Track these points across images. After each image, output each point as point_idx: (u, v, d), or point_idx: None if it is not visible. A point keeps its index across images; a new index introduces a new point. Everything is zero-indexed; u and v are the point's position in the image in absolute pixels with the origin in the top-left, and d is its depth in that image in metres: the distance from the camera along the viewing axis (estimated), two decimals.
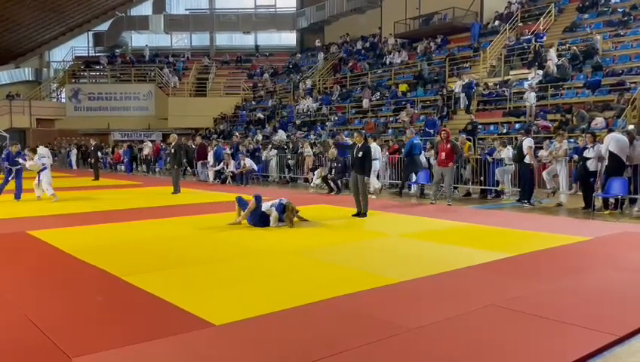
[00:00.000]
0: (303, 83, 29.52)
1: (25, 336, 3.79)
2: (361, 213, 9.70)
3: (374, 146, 15.93)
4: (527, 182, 11.45)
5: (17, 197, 12.17)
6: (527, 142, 11.37)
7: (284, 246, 7.01)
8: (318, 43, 34.10)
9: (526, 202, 11.38)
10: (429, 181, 13.45)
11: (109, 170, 26.09)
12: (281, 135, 22.95)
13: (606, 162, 10.22)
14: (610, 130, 10.97)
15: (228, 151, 18.82)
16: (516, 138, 13.54)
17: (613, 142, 10.04)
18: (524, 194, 11.51)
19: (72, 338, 3.72)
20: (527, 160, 11.34)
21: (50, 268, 5.89)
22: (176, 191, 14.13)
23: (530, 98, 17.18)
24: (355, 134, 10.38)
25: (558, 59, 18.65)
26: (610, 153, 10.03)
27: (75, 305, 4.54)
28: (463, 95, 19.75)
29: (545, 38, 21.48)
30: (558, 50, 19.67)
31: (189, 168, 20.66)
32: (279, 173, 18.62)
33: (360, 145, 9.78)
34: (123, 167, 25.53)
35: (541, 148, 12.84)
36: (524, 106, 17.77)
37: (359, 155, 9.69)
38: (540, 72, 18.59)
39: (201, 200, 12.77)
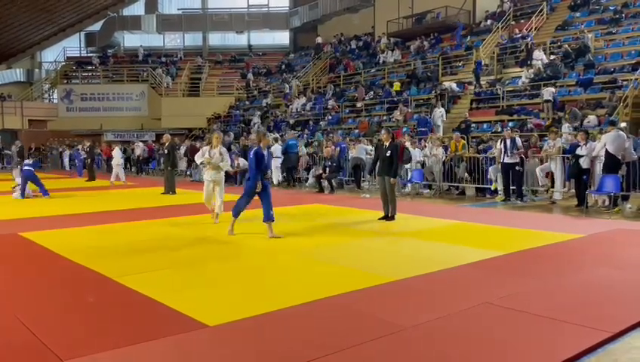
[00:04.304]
0: (295, 83, 29.49)
1: (16, 338, 3.75)
2: (388, 216, 9.12)
3: (275, 147, 16.04)
4: (508, 180, 11.75)
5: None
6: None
7: (280, 246, 6.99)
8: (319, 40, 33.91)
9: (508, 200, 11.67)
10: (422, 179, 13.50)
11: (102, 171, 25.89)
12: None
13: (602, 161, 10.22)
14: (612, 123, 10.96)
15: None
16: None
17: (610, 142, 9.97)
18: (506, 191, 11.78)
19: (64, 341, 3.69)
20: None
21: (42, 270, 5.84)
22: (172, 191, 14.08)
23: (547, 94, 16.92)
24: (383, 132, 9.58)
25: (549, 57, 18.67)
26: (607, 152, 10.02)
27: (67, 306, 4.51)
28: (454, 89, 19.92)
29: (533, 35, 21.54)
30: (550, 48, 19.74)
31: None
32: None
33: (387, 143, 9.13)
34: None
35: (530, 147, 12.89)
36: (517, 105, 17.77)
37: (387, 155, 9.03)
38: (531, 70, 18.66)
39: (194, 201, 12.69)
